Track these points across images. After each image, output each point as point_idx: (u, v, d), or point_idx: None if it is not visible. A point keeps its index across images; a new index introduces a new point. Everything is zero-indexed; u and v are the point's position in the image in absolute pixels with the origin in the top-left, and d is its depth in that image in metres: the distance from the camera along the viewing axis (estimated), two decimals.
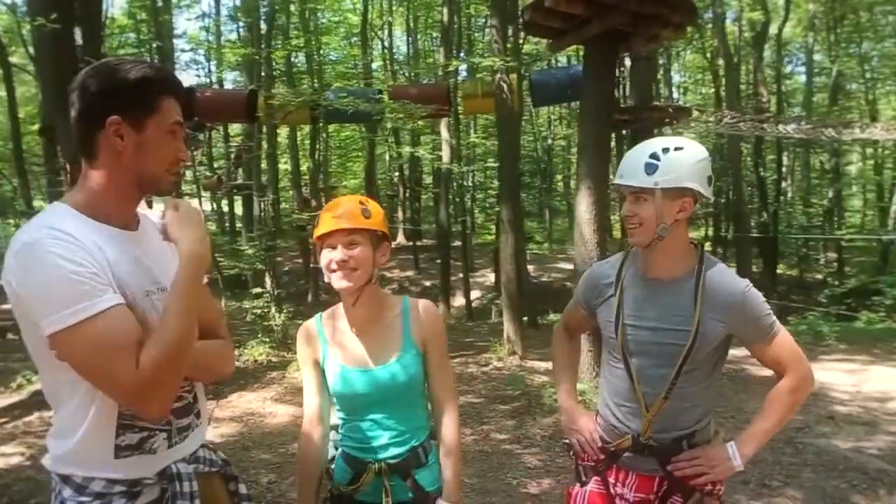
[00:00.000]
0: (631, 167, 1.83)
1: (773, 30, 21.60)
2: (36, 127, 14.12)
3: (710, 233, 24.28)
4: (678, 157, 1.80)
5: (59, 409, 1.38)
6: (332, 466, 1.91)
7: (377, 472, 1.80)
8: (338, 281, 1.74)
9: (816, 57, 24.26)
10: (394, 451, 1.82)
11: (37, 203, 17.40)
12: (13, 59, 19.14)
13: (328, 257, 1.75)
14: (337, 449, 1.92)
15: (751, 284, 1.84)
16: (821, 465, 4.65)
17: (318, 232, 1.75)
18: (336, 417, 1.92)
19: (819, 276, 21.59)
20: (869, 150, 26.17)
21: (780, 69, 24.38)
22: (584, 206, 5.97)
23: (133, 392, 1.24)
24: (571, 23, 5.88)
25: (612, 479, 1.95)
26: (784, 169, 24.70)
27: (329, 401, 1.92)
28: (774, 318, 1.84)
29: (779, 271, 20.54)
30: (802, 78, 26.29)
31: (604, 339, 2.00)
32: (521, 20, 7.69)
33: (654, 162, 1.79)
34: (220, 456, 1.63)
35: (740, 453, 1.81)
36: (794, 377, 1.85)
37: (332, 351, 1.85)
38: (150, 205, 1.83)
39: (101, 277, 1.27)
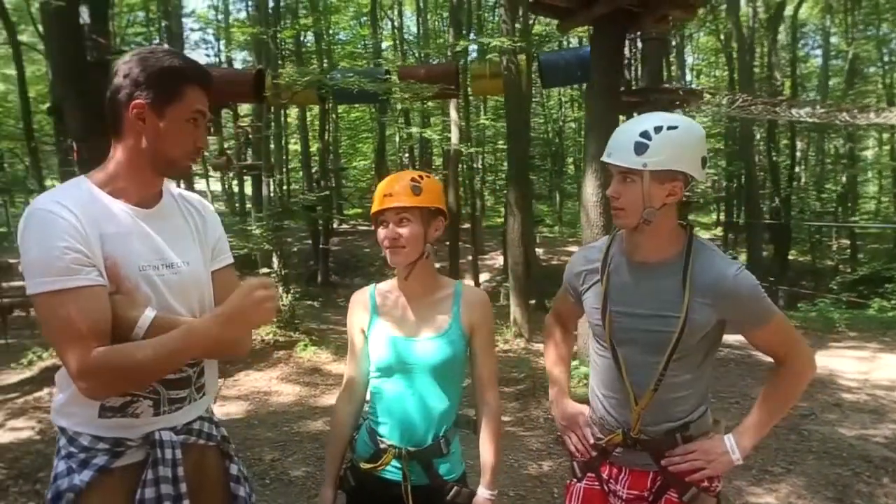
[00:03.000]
0: (619, 144, 1.67)
1: (788, 11, 21.20)
2: (46, 106, 14.16)
3: (722, 217, 24.07)
4: (671, 137, 1.63)
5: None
6: (356, 436, 1.95)
7: (396, 456, 1.84)
8: (390, 257, 1.83)
9: (833, 40, 23.80)
10: (418, 437, 1.85)
11: (48, 182, 17.45)
12: (23, 38, 19.10)
13: (382, 234, 1.82)
14: (364, 420, 1.95)
15: (742, 267, 1.70)
16: (825, 452, 4.62)
17: (372, 210, 1.83)
18: (369, 390, 1.96)
19: (831, 263, 21.39)
20: (885, 136, 25.75)
21: (795, 52, 23.95)
22: (590, 189, 5.91)
23: (76, 372, 1.32)
24: (579, 2, 5.79)
25: (605, 475, 1.86)
26: (798, 154, 24.37)
27: (367, 371, 1.95)
28: (770, 301, 1.71)
29: (791, 257, 20.35)
30: (818, 61, 25.84)
31: (590, 326, 1.88)
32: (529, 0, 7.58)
33: (645, 141, 1.62)
34: (222, 432, 1.67)
35: (739, 446, 1.70)
36: (794, 364, 1.74)
37: (381, 319, 1.90)
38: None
39: (84, 257, 1.34)
